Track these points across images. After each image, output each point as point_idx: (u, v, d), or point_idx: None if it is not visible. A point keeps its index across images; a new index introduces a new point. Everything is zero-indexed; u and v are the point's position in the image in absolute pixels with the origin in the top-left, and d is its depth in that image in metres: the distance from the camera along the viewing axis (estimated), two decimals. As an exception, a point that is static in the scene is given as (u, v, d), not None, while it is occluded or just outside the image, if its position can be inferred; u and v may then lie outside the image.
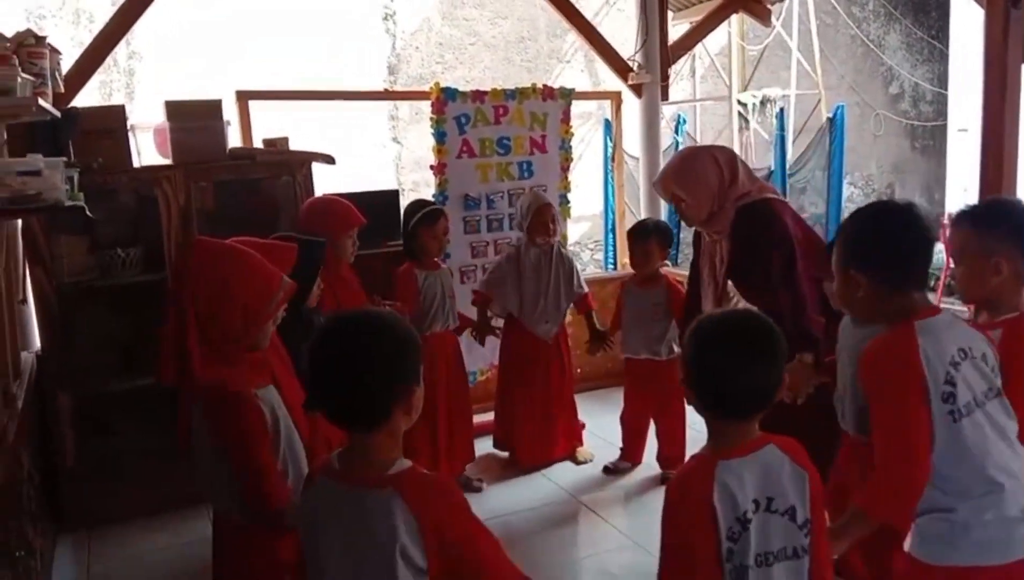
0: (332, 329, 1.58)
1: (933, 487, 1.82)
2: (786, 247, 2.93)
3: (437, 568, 1.49)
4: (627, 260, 5.86)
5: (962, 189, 10.46)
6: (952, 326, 1.92)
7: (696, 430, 3.63)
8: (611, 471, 4.14)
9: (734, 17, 6.67)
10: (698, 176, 3.08)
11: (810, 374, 2.70)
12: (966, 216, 2.21)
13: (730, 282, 3.15)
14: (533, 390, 4.16)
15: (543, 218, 4.00)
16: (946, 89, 11.62)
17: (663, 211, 5.90)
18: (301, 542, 1.67)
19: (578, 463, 4.25)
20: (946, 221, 9.91)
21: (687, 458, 1.88)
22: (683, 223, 4.32)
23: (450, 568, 1.50)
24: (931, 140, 12.15)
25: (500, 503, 3.87)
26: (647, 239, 4.01)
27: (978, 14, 3.56)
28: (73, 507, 3.80)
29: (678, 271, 4.87)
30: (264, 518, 1.95)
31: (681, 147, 7.44)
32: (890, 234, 1.93)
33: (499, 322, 4.26)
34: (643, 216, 5.68)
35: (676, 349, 3.97)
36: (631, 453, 4.18)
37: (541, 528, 3.67)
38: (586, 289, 4.22)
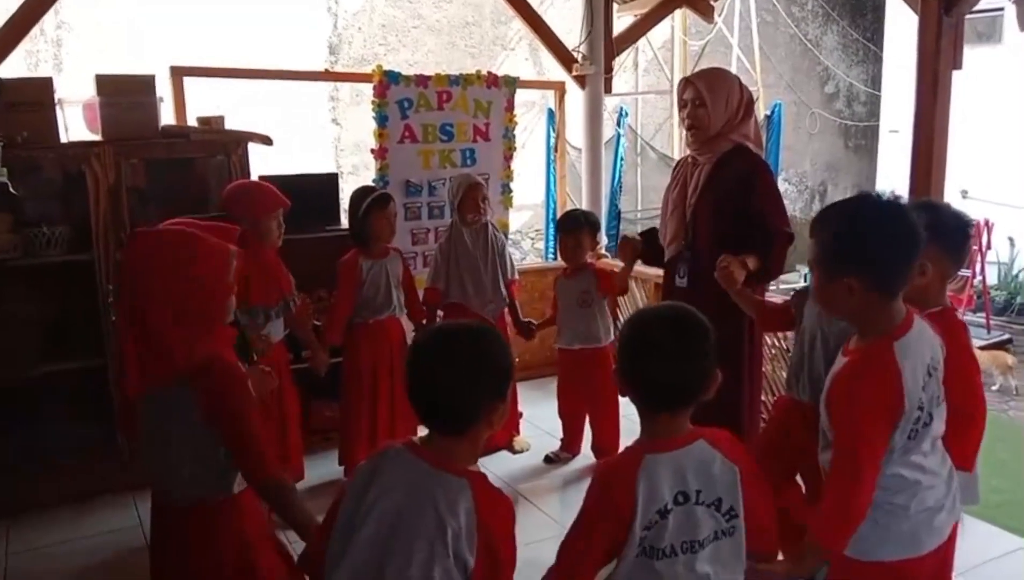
0: (443, 339, 1.64)
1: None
2: (775, 190, 3.09)
3: (478, 572, 1.57)
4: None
5: (892, 189, 10.80)
6: (921, 336, 1.87)
7: (631, 420, 3.69)
8: (552, 461, 4.16)
9: (678, 12, 6.73)
10: (727, 88, 3.12)
11: (743, 268, 2.81)
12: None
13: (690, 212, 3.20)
14: None
15: (473, 195, 3.96)
16: (879, 90, 11.98)
17: (603, 201, 5.94)
18: (339, 502, 1.69)
19: (515, 452, 4.26)
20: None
21: (620, 448, 1.91)
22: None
23: (481, 575, 1.58)
24: (863, 140, 12.51)
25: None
26: (579, 230, 4.00)
27: (912, 19, 3.66)
28: (-9, 494, 3.66)
29: (617, 262, 4.90)
30: (266, 484, 1.98)
31: (623, 140, 7.50)
32: (890, 232, 1.78)
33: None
34: (584, 207, 5.70)
35: (613, 334, 4.02)
36: (570, 444, 4.20)
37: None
38: (515, 276, 4.21)
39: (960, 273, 6.52)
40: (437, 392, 1.60)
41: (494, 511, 1.61)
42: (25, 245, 3.66)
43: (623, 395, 1.75)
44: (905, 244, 1.80)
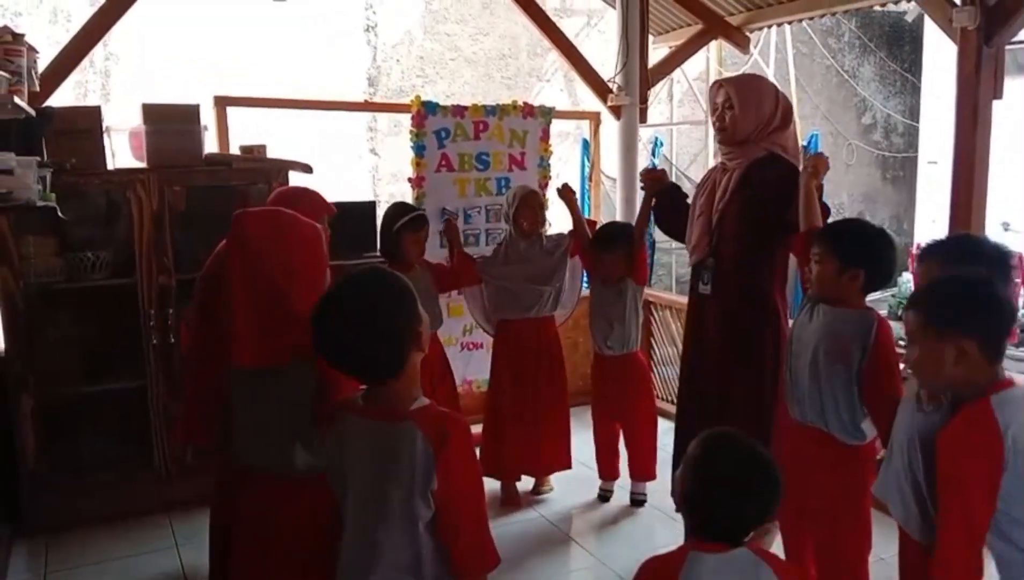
0: (336, 297, 1.71)
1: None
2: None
3: (439, 496, 1.65)
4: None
5: (931, 220, 10.66)
6: None
7: (666, 452, 3.67)
8: (605, 499, 4.03)
9: (713, 44, 6.75)
10: (757, 93, 3.08)
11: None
12: (935, 250, 2.24)
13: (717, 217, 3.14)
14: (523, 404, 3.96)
15: (530, 203, 3.90)
16: (917, 121, 11.86)
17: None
18: (328, 478, 1.79)
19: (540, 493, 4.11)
20: (914, 251, 10.09)
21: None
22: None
23: (440, 505, 1.66)
24: (901, 171, 12.38)
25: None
26: (615, 245, 3.85)
27: (951, 49, 3.64)
28: (32, 512, 3.72)
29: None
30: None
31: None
32: (1003, 298, 1.85)
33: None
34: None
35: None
36: (607, 470, 4.07)
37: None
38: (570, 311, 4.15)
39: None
40: (358, 349, 1.67)
41: (447, 442, 1.65)
42: (70, 269, 3.75)
43: (677, 510, 1.78)
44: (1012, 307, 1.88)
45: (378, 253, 3.98)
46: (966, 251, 2.17)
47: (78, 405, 3.89)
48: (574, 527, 3.82)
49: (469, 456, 1.71)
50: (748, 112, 3.05)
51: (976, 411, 1.83)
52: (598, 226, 4.13)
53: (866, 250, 2.48)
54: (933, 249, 2.25)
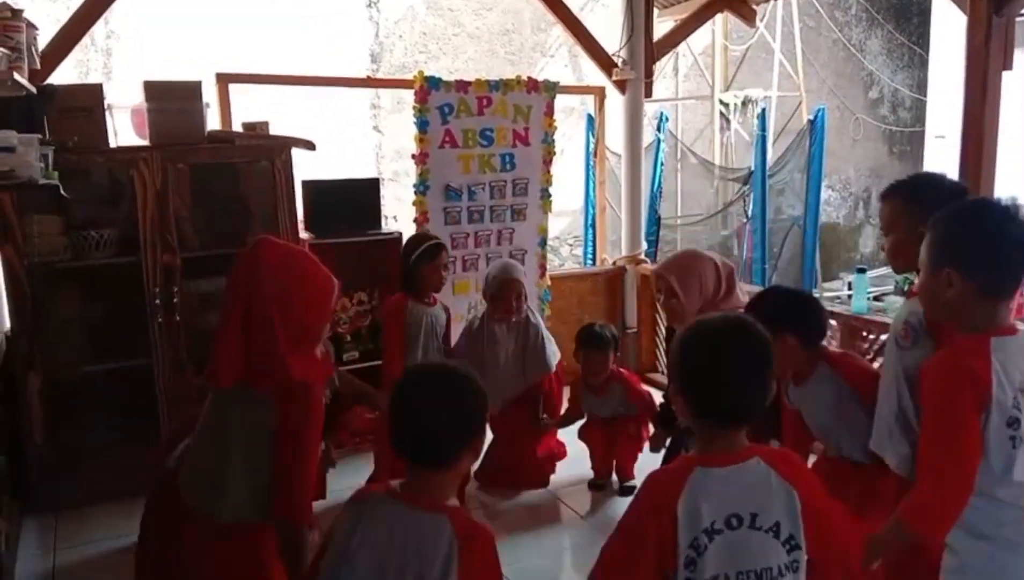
0: (418, 380, 1.76)
1: (973, 508, 1.78)
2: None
3: None
4: (604, 256, 5.91)
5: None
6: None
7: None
8: (601, 487, 4.01)
9: (719, 17, 6.68)
10: (698, 276, 3.12)
11: None
12: (896, 189, 2.24)
13: None
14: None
15: (505, 293, 3.81)
16: (925, 95, 11.75)
17: (643, 206, 5.91)
18: (325, 546, 1.74)
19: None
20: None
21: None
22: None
23: None
24: (909, 145, 12.28)
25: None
26: (604, 348, 3.85)
27: (959, 21, 3.59)
28: (40, 489, 3.74)
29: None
30: (287, 521, 2.01)
31: (663, 145, 7.46)
32: (998, 236, 1.81)
33: None
34: (624, 213, 5.69)
35: None
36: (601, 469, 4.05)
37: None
38: (550, 370, 3.97)
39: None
40: (420, 427, 1.68)
41: (473, 544, 1.63)
42: (74, 248, 3.74)
43: (677, 410, 1.71)
44: (1012, 249, 1.81)
45: (383, 232, 3.99)
46: (926, 188, 2.18)
47: (85, 383, 3.90)
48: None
49: (493, 564, 1.69)
50: (693, 296, 3.11)
51: (971, 342, 1.81)
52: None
53: (783, 313, 2.44)
54: (894, 188, 2.25)
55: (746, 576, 1.55)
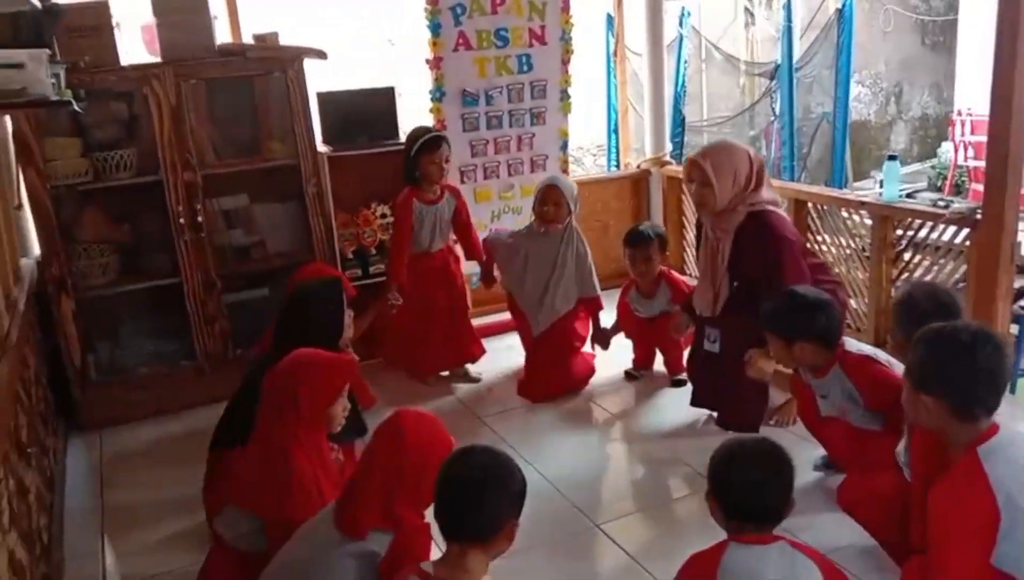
0: (464, 460, 1.84)
1: None
2: (793, 253, 3.16)
3: None
4: (628, 160, 5.81)
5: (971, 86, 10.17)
6: (1013, 442, 1.89)
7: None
8: (634, 377, 4.10)
9: (741, -97, 6.39)
10: (733, 165, 3.16)
11: (768, 358, 3.02)
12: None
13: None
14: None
15: (543, 198, 3.83)
16: (959, -19, 11.23)
17: (667, 108, 5.77)
18: None
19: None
20: (955, 118, 9.73)
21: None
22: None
23: None
24: (942, 36, 11.81)
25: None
26: (648, 245, 3.86)
27: None
28: (83, 408, 3.85)
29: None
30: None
31: (686, 42, 7.25)
32: (961, 366, 1.88)
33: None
34: (647, 113, 5.56)
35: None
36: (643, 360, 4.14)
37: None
38: (594, 293, 3.94)
39: None
40: (463, 509, 1.77)
41: None
42: (95, 170, 3.75)
43: (712, 516, 1.95)
44: (974, 376, 1.87)
45: (401, 141, 3.95)
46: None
47: (117, 304, 3.97)
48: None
49: None
50: (725, 186, 3.16)
51: (965, 465, 1.87)
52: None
53: (800, 324, 2.76)
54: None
55: None
